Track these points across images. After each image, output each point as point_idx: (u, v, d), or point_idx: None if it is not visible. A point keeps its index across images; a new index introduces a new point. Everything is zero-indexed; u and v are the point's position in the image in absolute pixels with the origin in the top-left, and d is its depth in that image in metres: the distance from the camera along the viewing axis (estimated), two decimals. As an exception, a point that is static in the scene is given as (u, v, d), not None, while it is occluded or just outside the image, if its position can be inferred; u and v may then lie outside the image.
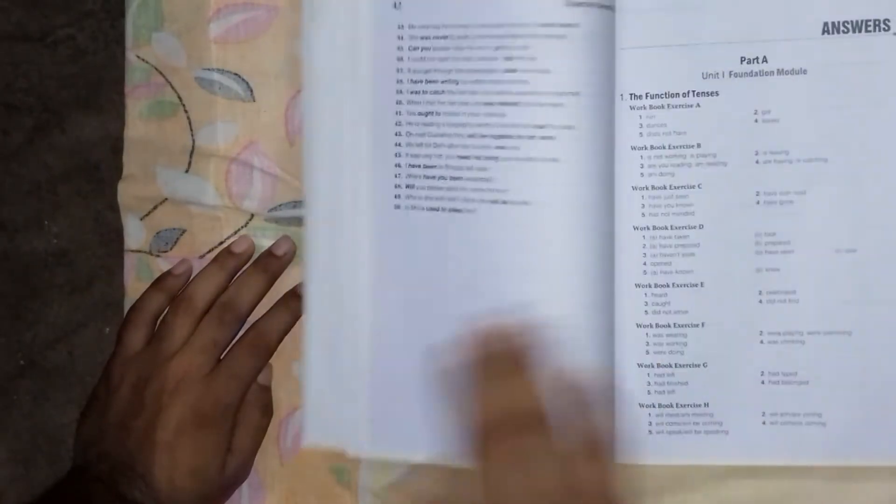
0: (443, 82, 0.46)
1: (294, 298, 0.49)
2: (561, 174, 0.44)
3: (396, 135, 0.47)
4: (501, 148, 0.45)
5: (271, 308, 0.49)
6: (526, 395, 0.39)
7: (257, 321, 0.48)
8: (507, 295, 0.45)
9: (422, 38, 0.46)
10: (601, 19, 0.45)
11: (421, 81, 0.46)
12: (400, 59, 0.47)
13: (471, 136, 0.45)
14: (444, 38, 0.46)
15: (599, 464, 0.39)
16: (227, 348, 0.48)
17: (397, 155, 0.47)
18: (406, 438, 0.47)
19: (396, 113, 0.47)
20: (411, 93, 0.46)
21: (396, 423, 0.47)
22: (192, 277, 0.49)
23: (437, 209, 0.46)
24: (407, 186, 0.47)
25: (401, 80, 0.47)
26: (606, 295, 0.46)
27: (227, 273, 0.49)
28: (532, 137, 0.45)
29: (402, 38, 0.47)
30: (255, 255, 0.50)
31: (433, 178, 0.46)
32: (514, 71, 0.45)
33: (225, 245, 0.50)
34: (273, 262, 0.49)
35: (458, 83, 0.46)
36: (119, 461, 0.45)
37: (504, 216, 0.45)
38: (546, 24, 0.44)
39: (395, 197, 0.47)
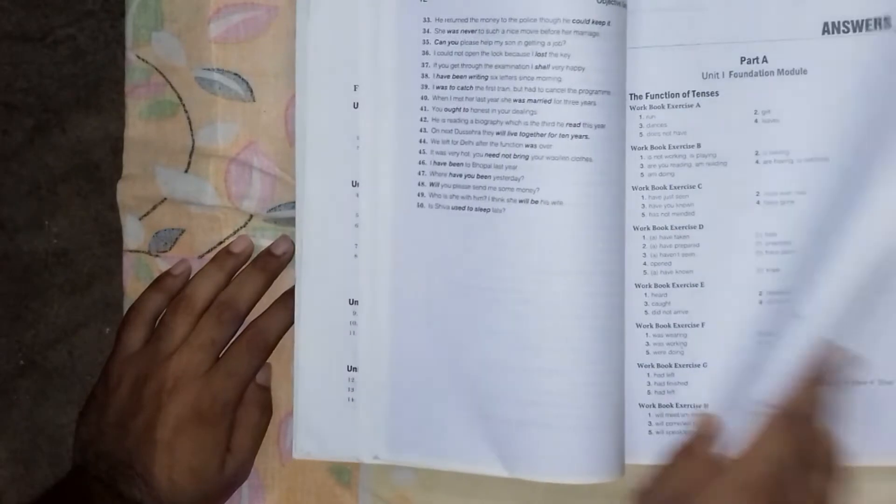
0: (471, 77, 0.45)
1: (292, 297, 0.49)
2: (594, 174, 0.44)
3: (421, 131, 0.46)
4: (532, 146, 0.44)
5: (270, 307, 0.49)
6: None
7: (255, 320, 0.48)
8: (534, 296, 0.44)
9: (449, 31, 0.45)
10: (624, 17, 0.45)
11: (448, 76, 0.45)
12: (425, 52, 0.46)
13: (499, 133, 0.45)
14: (472, 31, 0.45)
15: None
16: (226, 347, 0.48)
17: (421, 152, 0.46)
18: (426, 444, 0.47)
19: (422, 108, 0.46)
20: (437, 87, 0.46)
21: (416, 429, 0.47)
22: (191, 277, 0.49)
23: (462, 208, 0.46)
24: (431, 184, 0.46)
25: (426, 75, 0.46)
26: (622, 294, 0.46)
27: (225, 273, 0.49)
28: (565, 136, 0.44)
29: (427, 31, 0.46)
30: (255, 255, 0.50)
31: (459, 175, 0.45)
32: (545, 67, 0.44)
33: (224, 245, 0.50)
34: (272, 262, 0.49)
35: (486, 79, 0.45)
36: (118, 460, 0.45)
37: (535, 216, 0.44)
38: (580, 21, 0.44)
39: (419, 195, 0.46)
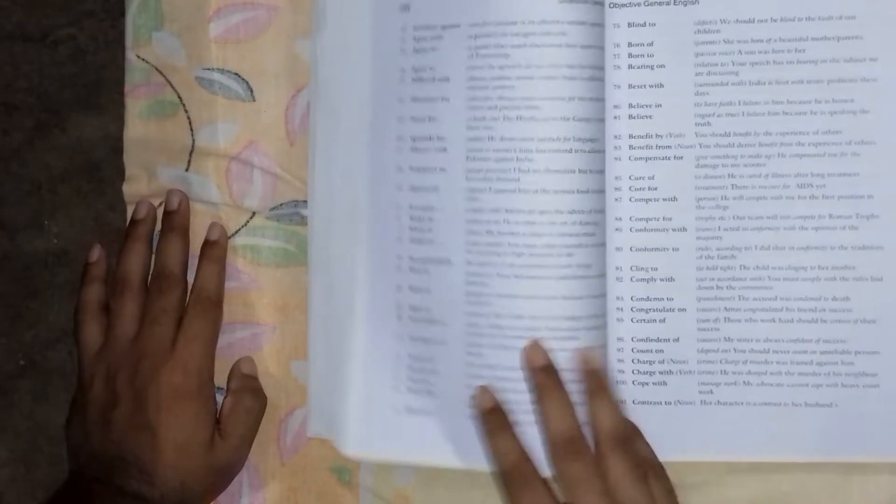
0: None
1: (210, 246, 0.49)
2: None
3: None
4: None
5: (198, 265, 0.49)
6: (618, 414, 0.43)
7: (193, 282, 0.49)
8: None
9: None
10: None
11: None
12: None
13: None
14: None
15: (661, 482, 0.42)
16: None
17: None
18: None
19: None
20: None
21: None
22: (121, 256, 0.49)
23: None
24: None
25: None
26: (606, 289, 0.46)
27: (143, 242, 0.49)
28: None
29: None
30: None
31: None
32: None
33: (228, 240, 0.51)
34: (176, 218, 0.50)
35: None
36: (109, 456, 0.45)
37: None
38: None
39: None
